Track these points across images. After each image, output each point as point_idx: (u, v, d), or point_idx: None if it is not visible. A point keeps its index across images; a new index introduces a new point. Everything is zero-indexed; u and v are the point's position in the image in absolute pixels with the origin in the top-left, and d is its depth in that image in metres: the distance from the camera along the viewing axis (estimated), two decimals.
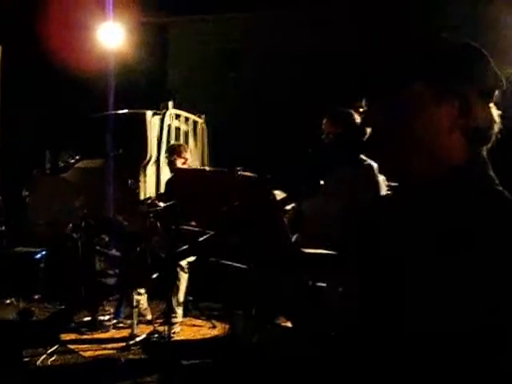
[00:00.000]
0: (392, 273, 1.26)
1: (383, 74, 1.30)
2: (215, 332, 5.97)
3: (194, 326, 6.17)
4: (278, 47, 10.48)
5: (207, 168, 2.90)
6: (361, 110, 1.36)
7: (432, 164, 1.26)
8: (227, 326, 5.33)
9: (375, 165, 4.03)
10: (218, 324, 6.10)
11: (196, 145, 9.33)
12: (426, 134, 1.25)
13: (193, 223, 3.59)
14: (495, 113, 1.29)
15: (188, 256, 4.62)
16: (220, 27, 11.43)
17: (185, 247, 3.25)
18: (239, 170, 2.96)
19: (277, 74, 10.45)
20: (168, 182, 6.40)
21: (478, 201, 1.21)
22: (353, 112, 4.16)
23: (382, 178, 4.00)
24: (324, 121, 4.17)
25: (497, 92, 1.29)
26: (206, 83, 11.00)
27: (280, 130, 9.54)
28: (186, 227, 3.55)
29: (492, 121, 1.28)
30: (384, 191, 4.01)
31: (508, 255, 1.12)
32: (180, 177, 3.24)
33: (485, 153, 1.30)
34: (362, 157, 4.10)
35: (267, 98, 10.31)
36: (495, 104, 1.29)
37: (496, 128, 1.29)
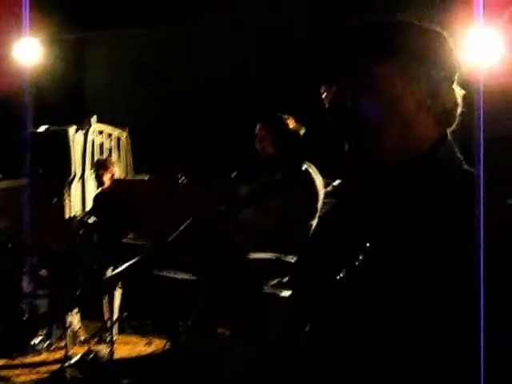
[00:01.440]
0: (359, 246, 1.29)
1: (352, 57, 1.32)
2: (152, 348, 5.88)
3: (130, 343, 6.06)
4: (195, 58, 10.53)
5: (146, 177, 2.82)
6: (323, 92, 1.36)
7: (402, 144, 1.29)
8: (163, 341, 5.26)
9: (311, 169, 4.09)
10: (153, 340, 6.02)
11: (120, 159, 9.23)
12: (396, 114, 1.28)
13: (130, 236, 3.53)
14: (458, 95, 1.33)
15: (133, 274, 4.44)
16: (136, 41, 11.36)
17: (123, 267, 3.15)
18: (180, 178, 2.92)
19: (195, 85, 10.47)
20: (97, 197, 6.30)
21: (445, 181, 1.25)
22: (285, 116, 4.19)
23: (319, 181, 4.04)
24: (257, 126, 4.18)
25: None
26: (126, 97, 10.91)
27: (203, 139, 9.54)
28: (126, 241, 3.48)
29: (456, 103, 1.32)
30: (322, 193, 4.05)
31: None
32: (118, 188, 3.17)
33: (449, 134, 1.34)
34: (297, 161, 4.14)
35: (187, 107, 10.32)
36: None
37: (459, 110, 1.33)
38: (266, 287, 3.21)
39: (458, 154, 1.31)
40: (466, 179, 1.26)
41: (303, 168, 4.07)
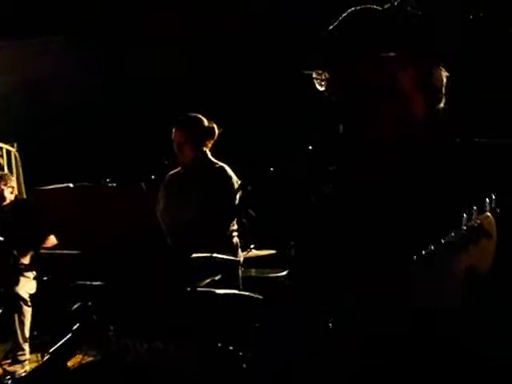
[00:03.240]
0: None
1: (358, 43, 1.39)
2: (69, 363, 5.70)
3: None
4: (88, 70, 10.31)
5: (71, 184, 2.73)
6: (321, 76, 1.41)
7: (400, 122, 1.39)
8: (79, 356, 5.11)
9: (226, 166, 4.13)
10: None
11: (12, 175, 8.95)
12: (396, 94, 1.37)
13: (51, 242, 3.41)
14: (444, 75, 1.42)
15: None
16: (17, 55, 10.99)
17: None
18: (108, 182, 2.88)
19: (86, 98, 10.26)
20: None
21: (438, 153, 1.35)
22: (199, 115, 4.20)
23: (235, 179, 4.09)
24: (173, 130, 4.14)
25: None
26: (11, 111, 10.54)
27: (97, 150, 9.38)
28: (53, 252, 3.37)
29: (443, 82, 1.41)
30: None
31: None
32: (43, 199, 3.07)
33: (441, 110, 1.43)
34: (213, 159, 4.18)
35: (77, 121, 10.10)
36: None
37: (443, 90, 1.42)
38: (200, 285, 3.21)
39: (450, 127, 1.41)
40: (454, 152, 1.36)
41: (219, 165, 4.12)
